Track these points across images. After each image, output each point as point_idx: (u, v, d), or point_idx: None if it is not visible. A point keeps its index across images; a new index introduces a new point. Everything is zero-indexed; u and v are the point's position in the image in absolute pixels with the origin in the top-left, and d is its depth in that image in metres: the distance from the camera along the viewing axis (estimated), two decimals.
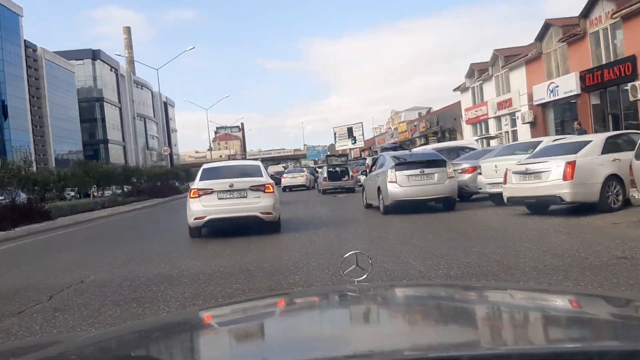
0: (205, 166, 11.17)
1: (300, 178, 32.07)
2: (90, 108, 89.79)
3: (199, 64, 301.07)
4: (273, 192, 9.96)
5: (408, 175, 12.22)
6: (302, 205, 18.79)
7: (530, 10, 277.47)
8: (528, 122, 27.41)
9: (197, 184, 10.14)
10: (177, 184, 37.48)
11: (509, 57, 29.47)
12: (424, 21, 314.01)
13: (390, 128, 55.36)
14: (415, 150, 15.87)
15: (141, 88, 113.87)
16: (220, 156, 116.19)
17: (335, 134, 68.62)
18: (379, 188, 12.86)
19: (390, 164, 12.52)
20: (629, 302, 1.45)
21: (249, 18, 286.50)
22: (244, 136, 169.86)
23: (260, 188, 9.78)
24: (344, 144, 67.01)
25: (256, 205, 9.64)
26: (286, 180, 31.51)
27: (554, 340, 1.08)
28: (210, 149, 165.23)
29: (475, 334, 1.15)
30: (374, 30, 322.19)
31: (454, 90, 36.98)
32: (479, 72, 33.11)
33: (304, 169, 38.13)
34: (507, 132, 30.27)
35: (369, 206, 14.55)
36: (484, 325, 1.23)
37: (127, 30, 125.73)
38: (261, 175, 10.29)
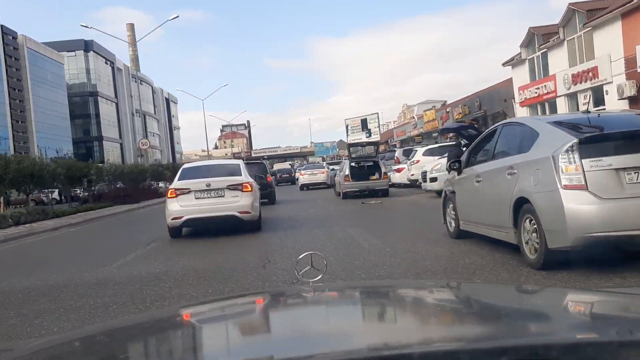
0: (185, 165, 10.92)
1: (320, 175, 27.88)
2: (83, 103, 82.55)
3: (207, 64, 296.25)
4: (252, 191, 9.53)
5: (619, 170, 4.45)
6: (311, 218, 11.12)
7: (536, 7, 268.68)
8: (626, 97, 19.49)
9: (175, 183, 9.76)
10: (160, 185, 29.80)
11: (593, 12, 21.47)
12: (429, 19, 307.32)
13: (413, 117, 47.18)
14: (603, 112, 7.72)
15: (140, 83, 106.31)
16: (226, 154, 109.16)
17: (347, 126, 60.40)
18: (518, 202, 5.06)
19: (560, 140, 4.68)
20: (571, 296, 1.50)
21: (256, 18, 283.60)
22: (250, 134, 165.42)
23: (238, 187, 9.38)
24: (357, 138, 59.13)
25: (234, 204, 9.24)
26: (304, 178, 27.65)
27: (498, 335, 1.08)
28: (215, 147, 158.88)
29: (427, 331, 1.14)
30: (379, 28, 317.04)
31: (504, 64, 28.98)
32: (543, 37, 25.09)
33: (324, 164, 34.55)
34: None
35: (461, 235, 6.80)
36: (434, 322, 1.23)
37: (131, 27, 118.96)
38: (240, 174, 9.84)
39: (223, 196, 9.28)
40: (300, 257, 1.74)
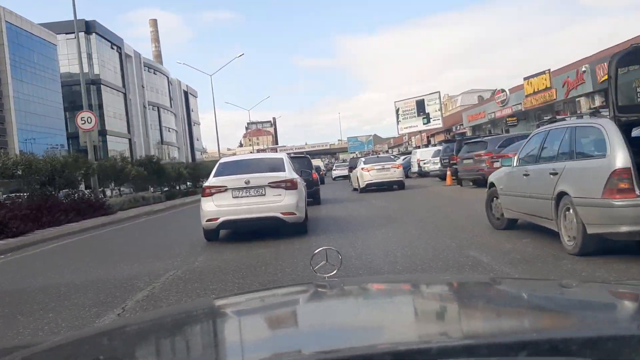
0: (222, 160, 9.66)
1: (394, 170, 18.81)
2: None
3: (235, 63, 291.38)
4: (297, 189, 8.32)
5: None
6: None
7: (565, 4, 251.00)
8: None
9: (210, 180, 8.54)
10: (106, 192, 16.82)
11: None
12: (458, 15, 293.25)
13: (505, 92, 32.53)
14: None
15: (154, 73, 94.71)
16: (251, 152, 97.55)
17: (397, 110, 46.57)
18: None
19: None
20: (591, 290, 1.44)
21: (283, 17, 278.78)
22: (275, 131, 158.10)
23: (280, 185, 8.20)
24: (411, 125, 45.25)
25: (276, 204, 8.09)
26: (370, 175, 18.60)
27: (523, 330, 1.06)
28: (240, 145, 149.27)
29: (445, 326, 1.13)
30: (407, 25, 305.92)
31: None
32: None
33: (392, 156, 25.57)
34: None
35: None
36: (453, 317, 1.22)
37: (154, 22, 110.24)
38: (283, 170, 8.62)
39: (264, 195, 8.12)
40: (316, 252, 1.71)
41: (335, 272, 1.63)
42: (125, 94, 79.15)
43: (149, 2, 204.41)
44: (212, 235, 8.46)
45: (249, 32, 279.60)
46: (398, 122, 45.49)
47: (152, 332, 1.28)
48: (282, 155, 10.06)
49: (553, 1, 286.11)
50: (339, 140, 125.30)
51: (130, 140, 79.54)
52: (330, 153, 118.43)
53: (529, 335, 0.96)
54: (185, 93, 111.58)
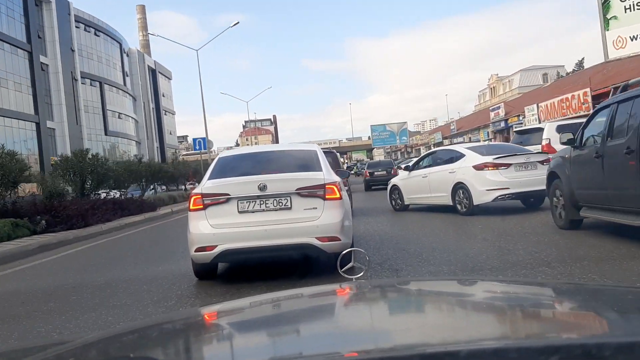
0: (222, 154, 6.18)
1: None
2: None
3: (246, 65, 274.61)
4: (340, 198, 5.19)
5: None
6: None
7: (581, 3, 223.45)
8: None
9: (203, 184, 5.47)
10: None
11: None
12: (470, 19, 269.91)
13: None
14: None
15: (96, 34, 63.57)
16: None
17: None
18: None
19: None
20: (626, 294, 1.38)
21: (296, 20, 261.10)
22: (276, 130, 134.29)
23: (316, 192, 5.13)
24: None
25: (310, 224, 5.06)
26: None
27: (552, 334, 1.01)
28: (237, 144, 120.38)
29: (475, 329, 1.07)
30: (419, 28, 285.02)
31: None
32: None
33: None
34: None
35: None
36: (482, 320, 1.16)
37: (142, 9, 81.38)
38: (318, 169, 5.49)
39: (289, 208, 5.11)
40: (343, 253, 1.64)
41: (362, 273, 1.56)
42: (31, 54, 48.56)
43: (165, 5, 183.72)
44: (205, 271, 5.47)
45: (260, 34, 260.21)
46: (607, 22, 14.67)
47: (136, 344, 1.19)
48: (314, 147, 6.41)
49: (566, 4, 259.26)
50: (347, 139, 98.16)
51: (38, 125, 48.81)
52: (343, 152, 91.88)
53: (560, 339, 0.92)
54: (153, 71, 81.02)
